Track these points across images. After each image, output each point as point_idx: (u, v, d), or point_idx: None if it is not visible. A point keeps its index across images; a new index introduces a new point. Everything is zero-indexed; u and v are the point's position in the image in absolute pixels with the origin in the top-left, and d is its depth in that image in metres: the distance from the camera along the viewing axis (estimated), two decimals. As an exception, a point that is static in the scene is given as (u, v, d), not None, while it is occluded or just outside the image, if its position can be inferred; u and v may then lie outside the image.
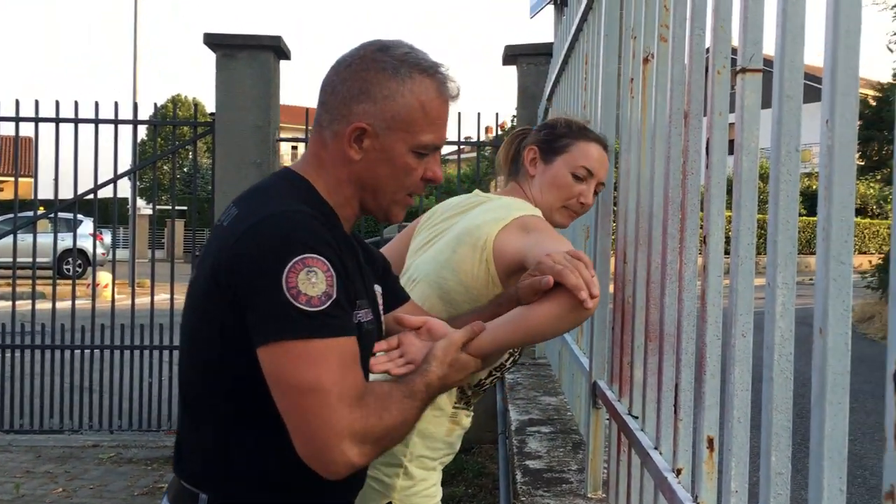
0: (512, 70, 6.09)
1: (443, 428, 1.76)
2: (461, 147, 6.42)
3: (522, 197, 1.86)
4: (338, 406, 1.15)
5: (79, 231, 7.14)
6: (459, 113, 5.93)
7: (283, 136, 6.37)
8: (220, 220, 1.33)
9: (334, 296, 1.17)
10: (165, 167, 29.87)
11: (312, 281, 1.16)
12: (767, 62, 0.90)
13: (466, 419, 1.82)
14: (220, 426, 1.29)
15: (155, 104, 6.54)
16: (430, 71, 1.33)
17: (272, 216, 1.22)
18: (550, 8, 8.09)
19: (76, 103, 5.92)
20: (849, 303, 0.75)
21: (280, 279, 1.15)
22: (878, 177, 25.84)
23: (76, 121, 5.91)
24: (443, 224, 1.86)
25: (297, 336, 1.15)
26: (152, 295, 6.02)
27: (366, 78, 1.30)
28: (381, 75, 1.30)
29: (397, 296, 1.60)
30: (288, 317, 1.15)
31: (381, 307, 1.49)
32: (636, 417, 1.53)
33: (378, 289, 1.50)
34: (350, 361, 1.19)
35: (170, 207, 7.25)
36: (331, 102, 1.33)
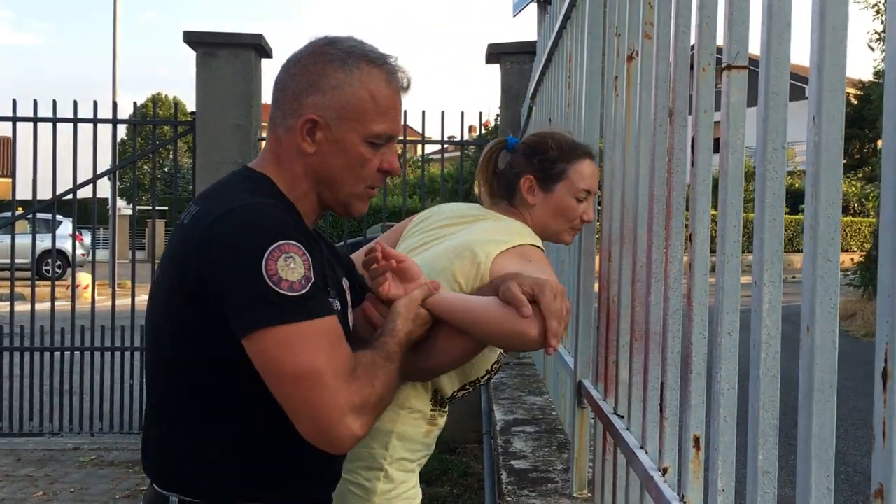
0: (495, 69, 6.09)
1: (421, 430, 1.75)
2: (444, 146, 6.41)
3: (523, 222, 1.85)
4: (334, 384, 1.18)
5: (58, 232, 7.06)
6: (443, 112, 5.91)
7: (264, 135, 6.33)
8: (181, 219, 1.33)
9: (313, 279, 1.20)
10: (146, 167, 29.64)
11: (291, 266, 1.17)
12: (753, 60, 0.90)
13: (442, 419, 1.81)
14: (185, 424, 1.29)
15: (135, 103, 6.49)
16: (378, 62, 1.34)
17: (240, 208, 1.22)
18: (533, 6, 8.09)
19: (54, 102, 5.85)
20: (836, 300, 0.75)
21: (259, 268, 1.16)
22: (860, 175, 26.14)
23: (54, 120, 5.85)
24: (442, 230, 1.83)
25: (284, 321, 1.16)
26: (133, 296, 5.96)
27: (314, 71, 1.32)
28: (329, 67, 1.32)
29: (364, 291, 1.60)
30: (272, 304, 1.16)
31: (348, 300, 1.48)
32: (622, 417, 1.53)
33: (346, 283, 1.49)
34: (336, 339, 1.22)
35: (150, 207, 7.21)
36: (282, 99, 1.35)
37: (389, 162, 1.38)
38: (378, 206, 6.60)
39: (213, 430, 1.27)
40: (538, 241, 1.78)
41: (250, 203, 1.24)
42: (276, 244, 1.17)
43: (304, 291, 1.18)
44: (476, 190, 2.01)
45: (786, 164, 0.87)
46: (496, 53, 6.02)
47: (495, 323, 1.45)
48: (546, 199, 1.87)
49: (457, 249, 1.69)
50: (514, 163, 1.91)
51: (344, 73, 1.31)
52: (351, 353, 1.24)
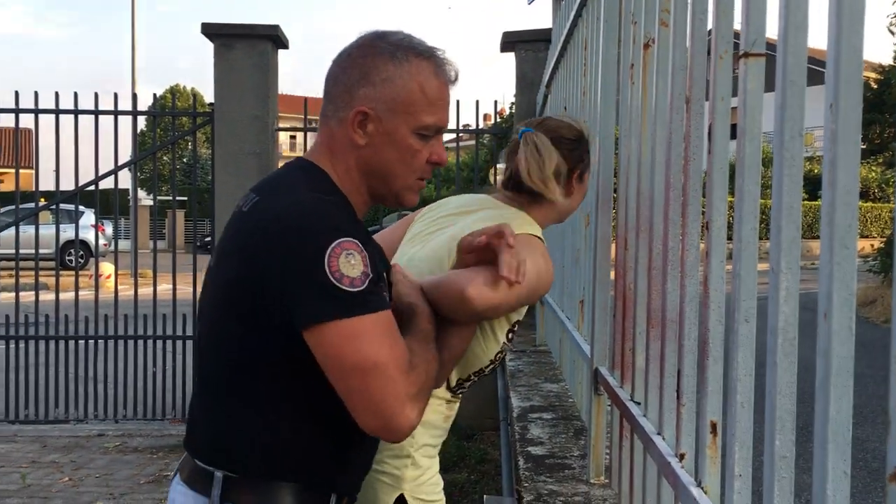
0: (510, 57, 6.07)
1: (441, 415, 1.78)
2: (460, 135, 6.41)
3: (539, 217, 1.80)
4: (398, 377, 1.23)
5: (80, 222, 7.13)
6: (458, 101, 5.92)
7: (281, 125, 6.36)
8: (238, 206, 1.37)
9: (371, 274, 1.23)
10: (165, 158, 29.83)
11: (352, 263, 1.21)
12: (770, 45, 0.90)
13: (456, 404, 1.84)
14: (237, 406, 1.32)
15: (154, 95, 6.53)
16: (427, 54, 1.37)
17: (298, 203, 1.26)
18: (549, -6, 8.05)
19: (76, 94, 5.90)
20: (853, 287, 0.75)
21: (322, 264, 1.20)
22: (880, 160, 25.83)
23: (76, 112, 5.90)
24: (444, 220, 1.83)
25: (348, 315, 1.20)
26: (154, 285, 6.03)
27: (364, 64, 1.34)
28: (379, 59, 1.34)
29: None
30: (336, 298, 1.20)
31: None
32: (638, 403, 1.54)
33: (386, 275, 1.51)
34: (394, 331, 1.27)
35: (170, 198, 7.26)
36: (334, 92, 1.37)
37: (438, 153, 1.40)
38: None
39: (264, 413, 1.31)
40: (537, 231, 1.75)
41: (311, 199, 1.28)
42: (338, 241, 1.21)
43: (363, 287, 1.21)
44: (491, 173, 1.99)
45: (803, 153, 0.87)
46: (511, 42, 6.00)
47: (443, 286, 1.48)
48: (580, 189, 1.86)
49: (454, 239, 1.68)
50: (568, 162, 1.79)
51: (394, 65, 1.34)
52: (406, 345, 1.28)
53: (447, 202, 1.92)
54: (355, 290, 1.21)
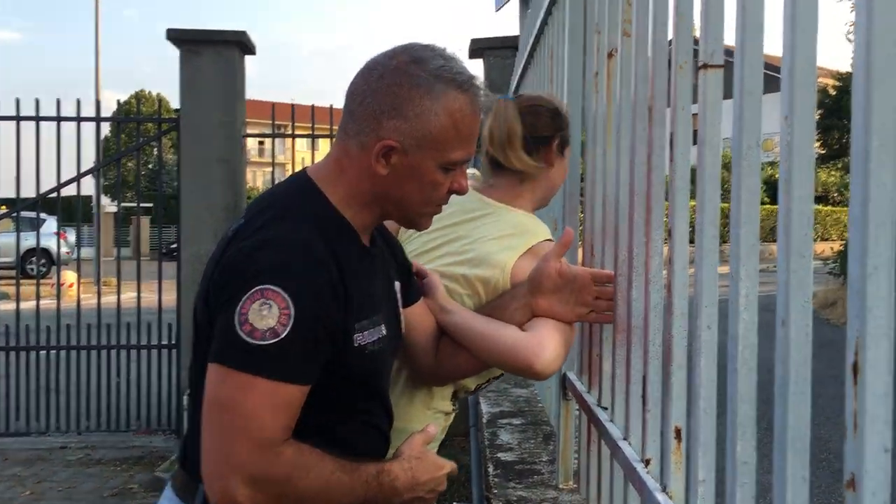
0: (478, 63, 6.09)
1: (441, 427, 1.81)
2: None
3: (526, 201, 1.79)
4: (243, 442, 1.14)
5: (42, 230, 7.01)
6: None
7: (249, 131, 6.31)
8: (229, 227, 1.34)
9: (282, 335, 1.14)
10: (130, 164, 29.45)
11: (263, 313, 1.14)
12: (730, 51, 0.91)
13: (452, 416, 1.86)
14: None
15: (118, 101, 6.45)
16: (465, 86, 1.29)
17: (264, 242, 1.21)
18: (515, 2, 8.10)
19: (37, 101, 5.81)
20: (809, 294, 0.76)
21: (237, 304, 1.15)
22: (839, 165, 26.36)
23: (37, 118, 5.81)
24: (449, 230, 1.75)
25: (226, 363, 1.15)
26: (119, 293, 5.94)
27: (398, 94, 1.26)
28: (415, 92, 1.26)
29: (415, 292, 1.59)
30: (228, 342, 1.15)
31: (399, 307, 1.49)
32: (605, 409, 1.55)
33: (398, 285, 1.49)
34: (277, 407, 1.16)
35: (135, 205, 7.16)
36: (358, 113, 1.29)
37: (459, 183, 1.36)
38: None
39: None
40: (544, 229, 1.76)
41: (277, 238, 1.21)
42: (262, 287, 1.15)
43: (262, 343, 1.13)
44: (489, 157, 1.81)
45: (760, 162, 0.89)
46: (479, 48, 6.03)
47: (503, 354, 1.52)
48: (561, 163, 1.84)
49: (473, 261, 1.68)
50: (537, 130, 1.77)
51: (430, 100, 1.26)
52: (284, 427, 1.17)
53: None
54: (251, 342, 1.13)
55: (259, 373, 1.14)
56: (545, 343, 1.49)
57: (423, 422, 1.72)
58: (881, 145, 0.63)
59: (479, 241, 1.71)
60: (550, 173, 1.82)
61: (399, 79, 1.26)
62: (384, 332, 1.35)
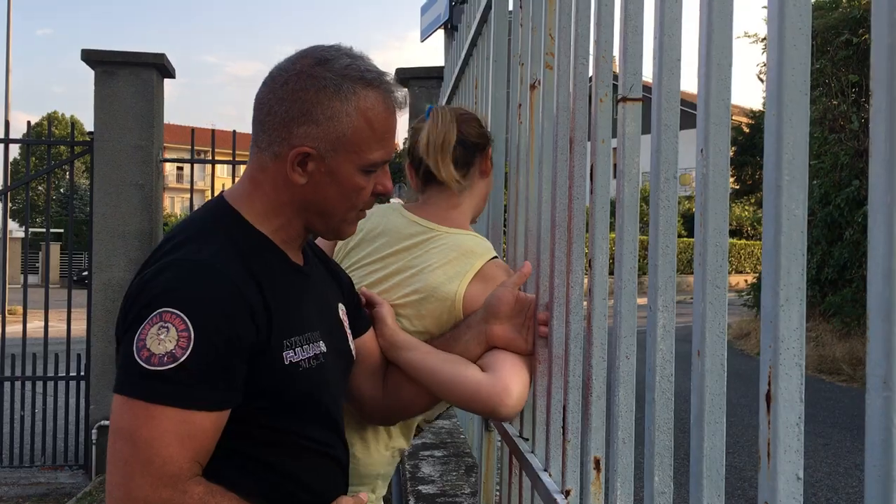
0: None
1: (395, 465, 1.76)
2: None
3: (464, 212, 1.75)
4: (145, 476, 1.05)
5: (-58, 255, 6.64)
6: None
7: (167, 156, 6.17)
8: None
9: (181, 359, 1.07)
10: (40, 188, 28.40)
11: (161, 337, 1.07)
12: (647, 88, 0.93)
13: None
14: None
15: (28, 122, 6.21)
16: (375, 83, 1.25)
17: (165, 265, 1.16)
18: (441, 32, 8.20)
19: (-60, 119, 5.55)
20: (724, 325, 0.77)
21: (136, 331, 1.09)
22: (753, 200, 27.44)
23: (-60, 138, 5.54)
24: (390, 260, 1.69)
25: (125, 392, 1.08)
26: (24, 323, 5.67)
27: (305, 98, 1.21)
28: (322, 94, 1.21)
29: (363, 321, 1.54)
30: (127, 370, 1.09)
31: (346, 326, 1.43)
32: (527, 440, 1.54)
33: (342, 309, 1.44)
34: (183, 436, 1.08)
35: (44, 230, 6.88)
36: (268, 123, 1.24)
37: (383, 184, 1.31)
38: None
39: None
40: (488, 246, 1.70)
41: (181, 260, 1.16)
42: (161, 310, 1.09)
43: (160, 368, 1.06)
44: (414, 172, 1.79)
45: (677, 194, 0.91)
46: (405, 78, 6.06)
47: (466, 397, 1.47)
48: (489, 181, 1.82)
49: (420, 293, 1.62)
50: (472, 137, 1.75)
51: (339, 100, 1.22)
52: (189, 459, 1.08)
53: (375, 228, 1.74)
54: (148, 367, 1.06)
55: (159, 400, 1.06)
56: (510, 386, 1.43)
57: (382, 464, 1.69)
58: (791, 179, 0.64)
59: (424, 271, 1.64)
60: (485, 182, 1.80)
61: (304, 83, 1.22)
62: (324, 348, 1.28)
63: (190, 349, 1.07)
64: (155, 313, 1.09)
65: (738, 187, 24.55)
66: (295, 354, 1.22)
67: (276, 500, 1.22)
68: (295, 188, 1.25)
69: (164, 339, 1.07)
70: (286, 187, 1.25)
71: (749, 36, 15.22)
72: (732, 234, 27.81)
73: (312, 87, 1.21)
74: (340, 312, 1.43)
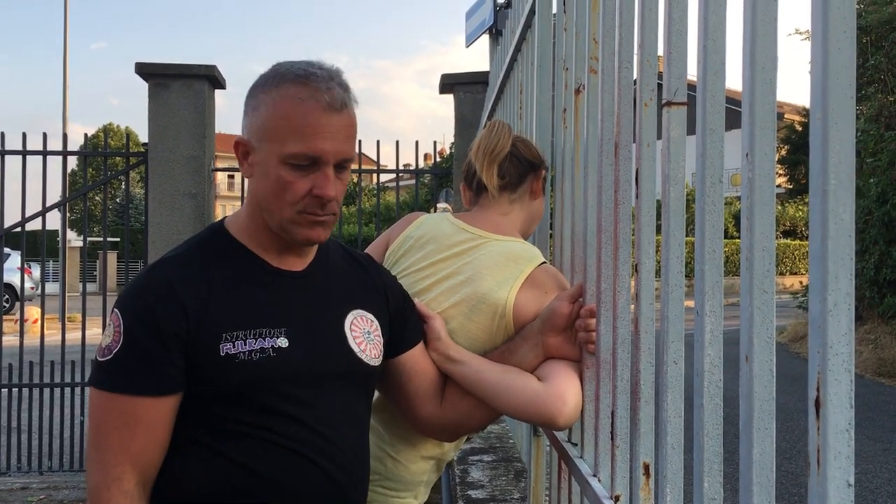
0: (449, 98, 6.14)
1: (437, 474, 1.78)
2: (399, 175, 6.44)
3: (514, 221, 1.76)
4: (94, 464, 1.25)
5: (6, 265, 6.89)
6: (398, 141, 5.95)
7: (218, 165, 6.29)
8: None
9: (115, 350, 1.25)
10: (97, 198, 29.16)
11: (106, 333, 1.28)
12: (693, 87, 0.92)
13: None
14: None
15: (85, 134, 6.39)
16: (300, 79, 1.27)
17: (144, 270, 1.35)
18: (486, 37, 8.21)
19: (2, 134, 5.74)
20: (772, 330, 0.77)
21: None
22: (807, 200, 26.83)
23: (2, 152, 5.74)
24: (438, 267, 1.68)
25: (89, 382, 1.28)
26: (83, 329, 5.83)
27: (249, 95, 1.33)
28: (258, 89, 1.32)
29: (413, 333, 1.55)
30: (94, 363, 1.29)
31: (361, 332, 1.42)
32: (575, 445, 1.54)
33: (364, 314, 1.44)
34: (125, 420, 1.24)
35: (101, 239, 7.09)
36: None
37: (319, 187, 1.28)
38: (333, 234, 6.58)
39: (171, 460, 1.31)
40: (536, 252, 1.69)
41: (157, 264, 1.33)
42: (113, 310, 1.29)
43: (103, 359, 1.26)
44: (467, 186, 1.81)
45: (723, 197, 0.90)
46: (450, 84, 6.08)
47: (523, 407, 1.48)
48: (540, 202, 1.83)
49: (469, 303, 1.61)
50: (526, 154, 1.78)
51: (265, 92, 1.30)
52: (126, 462, 1.24)
53: (425, 235, 1.75)
54: (99, 359, 1.26)
55: (101, 387, 1.25)
56: (566, 395, 1.44)
57: (425, 472, 1.72)
58: (838, 183, 0.63)
59: (473, 278, 1.63)
60: (535, 203, 1.81)
61: (254, 82, 1.33)
62: (283, 344, 1.29)
63: (121, 341, 1.25)
64: (114, 313, 1.28)
65: (791, 187, 24.04)
66: (234, 347, 1.28)
67: (222, 484, 1.28)
68: (251, 187, 1.35)
69: (107, 334, 1.27)
70: (249, 188, 1.36)
71: (800, 33, 14.92)
72: (786, 234, 27.19)
73: (256, 84, 1.33)
74: (351, 317, 1.42)
